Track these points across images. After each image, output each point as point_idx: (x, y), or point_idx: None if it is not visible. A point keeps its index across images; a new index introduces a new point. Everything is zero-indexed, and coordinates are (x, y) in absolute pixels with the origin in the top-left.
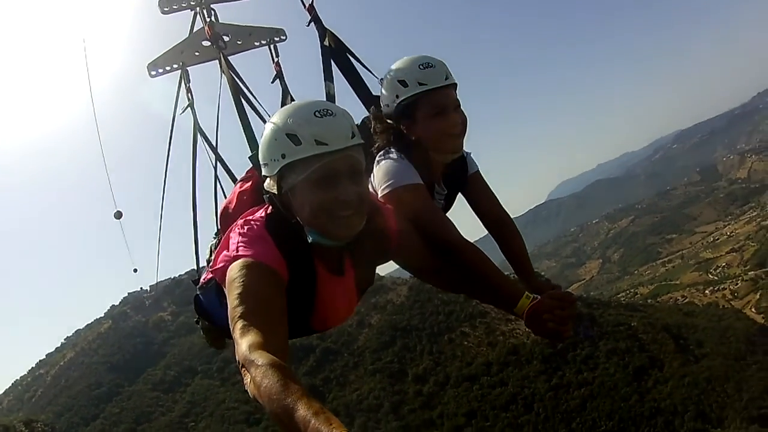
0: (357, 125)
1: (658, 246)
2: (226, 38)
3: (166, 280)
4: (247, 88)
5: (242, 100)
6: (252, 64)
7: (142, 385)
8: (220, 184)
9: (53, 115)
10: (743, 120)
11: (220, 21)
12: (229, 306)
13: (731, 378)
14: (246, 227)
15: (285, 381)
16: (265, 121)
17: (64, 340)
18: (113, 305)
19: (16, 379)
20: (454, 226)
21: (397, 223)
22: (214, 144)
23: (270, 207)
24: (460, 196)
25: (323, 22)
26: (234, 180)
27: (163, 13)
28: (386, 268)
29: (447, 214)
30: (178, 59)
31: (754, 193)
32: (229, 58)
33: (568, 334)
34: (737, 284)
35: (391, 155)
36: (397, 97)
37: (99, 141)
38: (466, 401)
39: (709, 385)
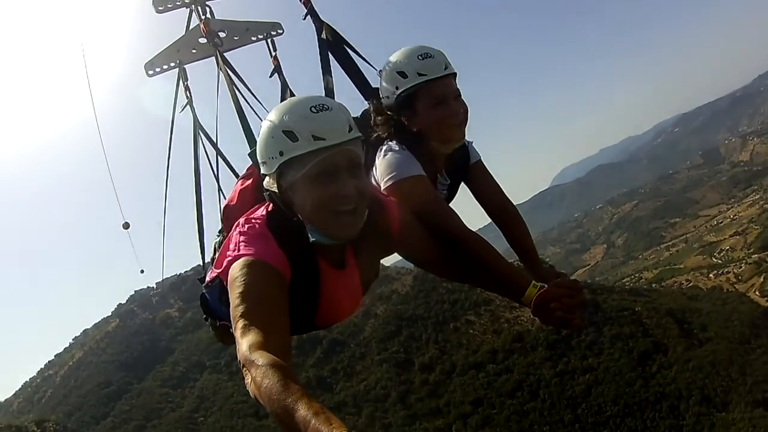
0: (357, 118)
1: (662, 230)
2: (222, 34)
3: (172, 276)
4: (245, 85)
5: (240, 96)
6: (251, 59)
7: (151, 382)
8: (218, 181)
9: (59, 117)
10: (745, 102)
11: (215, 17)
12: (231, 305)
13: (735, 362)
14: (247, 226)
15: (285, 381)
16: (263, 118)
17: (72, 340)
18: (120, 303)
19: (26, 381)
20: (458, 216)
21: (401, 215)
22: (213, 141)
23: (271, 205)
24: (462, 185)
25: (319, 15)
26: (237, 176)
27: (158, 12)
28: (391, 258)
29: (450, 204)
30: (175, 58)
31: (757, 175)
32: (227, 53)
33: (576, 322)
34: (741, 267)
35: (392, 147)
36: (397, 88)
37: (103, 151)
38: (472, 389)
39: (713, 369)
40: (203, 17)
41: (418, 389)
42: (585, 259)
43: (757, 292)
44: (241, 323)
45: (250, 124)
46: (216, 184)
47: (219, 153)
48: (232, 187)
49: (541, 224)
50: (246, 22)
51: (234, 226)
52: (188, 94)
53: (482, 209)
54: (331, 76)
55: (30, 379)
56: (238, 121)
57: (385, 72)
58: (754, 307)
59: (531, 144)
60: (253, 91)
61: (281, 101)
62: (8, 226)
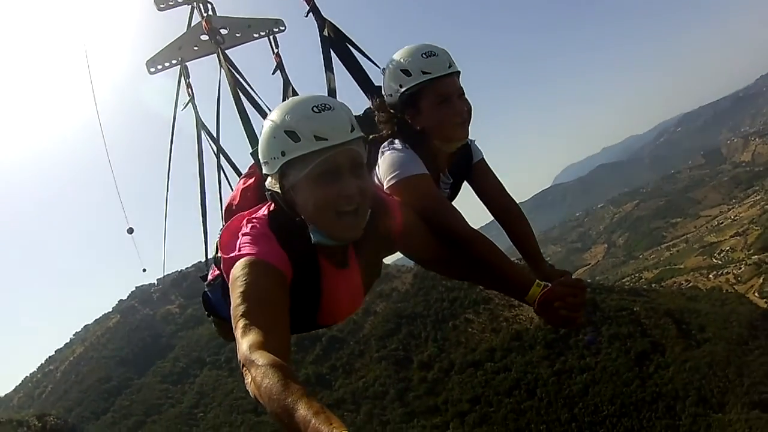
0: (360, 116)
1: (663, 230)
2: (224, 31)
3: (173, 273)
4: (247, 82)
5: (241, 94)
6: (253, 56)
7: (152, 377)
8: (227, 177)
9: (65, 113)
10: (747, 102)
11: (217, 14)
12: (231, 304)
13: (733, 363)
14: (249, 225)
15: (285, 381)
16: (265, 116)
17: (73, 335)
18: (121, 299)
19: (26, 376)
20: (462, 215)
21: (403, 214)
22: (216, 139)
23: (273, 204)
24: (465, 184)
25: (322, 12)
26: (239, 174)
27: (159, 9)
28: (392, 256)
29: (453, 203)
30: (176, 55)
31: (758, 176)
32: (228, 51)
33: (580, 320)
34: (741, 268)
35: (395, 146)
36: (401, 86)
37: (107, 154)
38: (470, 387)
39: (710, 370)
40: (205, 14)
41: (417, 387)
42: (586, 258)
43: (756, 294)
44: (241, 323)
45: (252, 123)
46: (218, 182)
47: (221, 151)
48: (234, 185)
49: (542, 223)
50: (248, 18)
51: (231, 225)
52: (190, 92)
53: (485, 208)
54: (333, 74)
55: (30, 374)
56: (239, 119)
57: (389, 70)
58: (753, 308)
59: (533, 143)
60: (255, 89)
61: (283, 98)
62: (11, 222)
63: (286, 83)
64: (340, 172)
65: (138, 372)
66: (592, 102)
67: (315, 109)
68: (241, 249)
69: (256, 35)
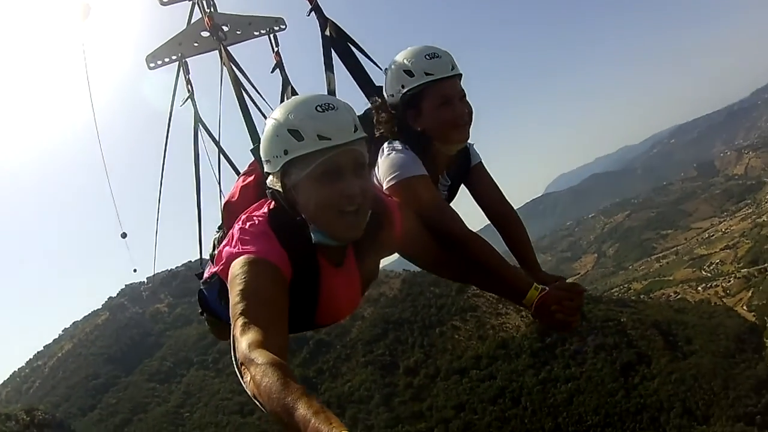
0: (360, 116)
1: (653, 241)
2: (225, 28)
3: (162, 272)
4: (248, 80)
5: (243, 92)
6: (252, 54)
7: (139, 375)
8: (219, 176)
9: (62, 112)
10: (742, 116)
11: (218, 11)
12: (230, 303)
13: (719, 375)
14: (249, 223)
15: (285, 380)
16: (265, 114)
17: (62, 331)
18: (111, 297)
19: (15, 371)
20: (460, 218)
21: (403, 215)
22: (215, 135)
23: (273, 202)
24: (462, 187)
25: (324, 12)
26: (237, 172)
27: (162, 4)
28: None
29: (450, 205)
30: (176, 51)
31: (751, 189)
32: (229, 48)
33: (577, 324)
34: (730, 281)
35: (395, 147)
36: (403, 87)
37: (103, 160)
38: (455, 394)
39: (696, 382)
40: (207, 10)
41: (402, 392)
42: (575, 267)
43: (744, 307)
44: (240, 321)
45: (254, 120)
46: (216, 179)
47: (220, 148)
48: (231, 183)
49: (533, 232)
50: (249, 16)
51: (235, 223)
52: (189, 88)
53: (481, 211)
54: (334, 74)
55: (18, 369)
56: (241, 116)
57: (392, 70)
58: (741, 321)
59: (526, 151)
60: (256, 87)
61: (282, 98)
62: (2, 217)
63: (285, 82)
64: (343, 172)
65: (125, 370)
66: (587, 112)
67: (319, 108)
68: (241, 247)
69: (256, 33)
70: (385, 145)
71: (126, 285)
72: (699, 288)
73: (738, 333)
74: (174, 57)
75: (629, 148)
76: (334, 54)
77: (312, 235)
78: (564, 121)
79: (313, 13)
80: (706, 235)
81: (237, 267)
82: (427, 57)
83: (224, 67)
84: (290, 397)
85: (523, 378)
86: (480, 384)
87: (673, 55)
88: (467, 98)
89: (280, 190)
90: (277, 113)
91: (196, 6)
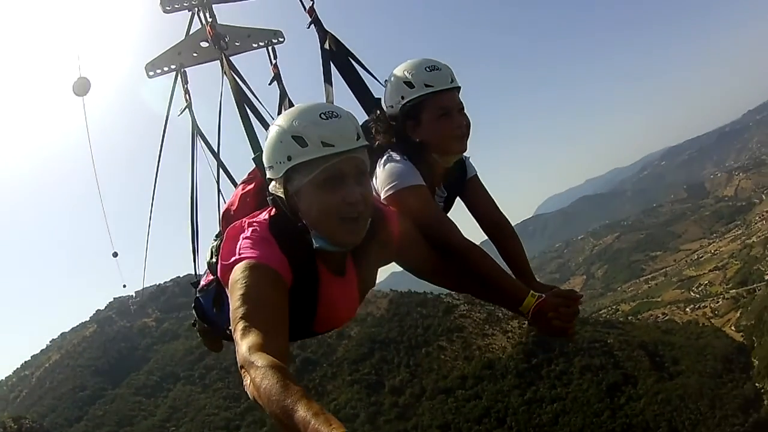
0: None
1: (642, 263)
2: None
3: (151, 286)
4: (250, 90)
5: (244, 102)
6: (250, 66)
7: (126, 389)
8: (218, 184)
9: (57, 120)
10: (733, 137)
11: (218, 22)
12: (231, 307)
13: (705, 396)
14: (250, 229)
15: (285, 382)
16: (265, 123)
17: (50, 342)
18: (99, 309)
19: (1, 380)
20: (457, 227)
21: (401, 224)
22: (213, 145)
23: (273, 209)
24: (458, 201)
25: (324, 25)
26: (233, 182)
27: (165, 12)
28: None
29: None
30: (175, 60)
31: (740, 211)
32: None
33: (573, 331)
34: (718, 302)
35: (393, 157)
36: (402, 98)
37: (95, 177)
38: (441, 413)
39: (682, 402)
40: (209, 20)
41: (388, 411)
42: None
43: (732, 327)
44: (241, 325)
45: (255, 130)
46: (216, 188)
47: (217, 158)
48: (228, 194)
49: None
50: (247, 28)
51: (230, 229)
52: (188, 98)
53: (477, 225)
54: (332, 86)
55: (6, 377)
56: (242, 125)
57: (392, 82)
58: (729, 342)
59: (516, 172)
60: (258, 97)
61: (279, 110)
62: None
63: (283, 94)
64: (345, 178)
65: (112, 382)
66: (578, 134)
67: (323, 116)
68: (242, 252)
69: (255, 45)
70: (384, 155)
71: (114, 298)
72: (687, 309)
73: (725, 353)
74: (173, 66)
75: (619, 170)
76: (333, 67)
77: (313, 241)
78: (554, 143)
79: (312, 26)
80: (695, 257)
81: (238, 272)
82: (427, 69)
83: (225, 77)
84: (290, 399)
85: (509, 398)
86: (465, 404)
87: (664, 77)
88: (465, 111)
89: (283, 196)
90: (281, 120)
91: (196, 16)
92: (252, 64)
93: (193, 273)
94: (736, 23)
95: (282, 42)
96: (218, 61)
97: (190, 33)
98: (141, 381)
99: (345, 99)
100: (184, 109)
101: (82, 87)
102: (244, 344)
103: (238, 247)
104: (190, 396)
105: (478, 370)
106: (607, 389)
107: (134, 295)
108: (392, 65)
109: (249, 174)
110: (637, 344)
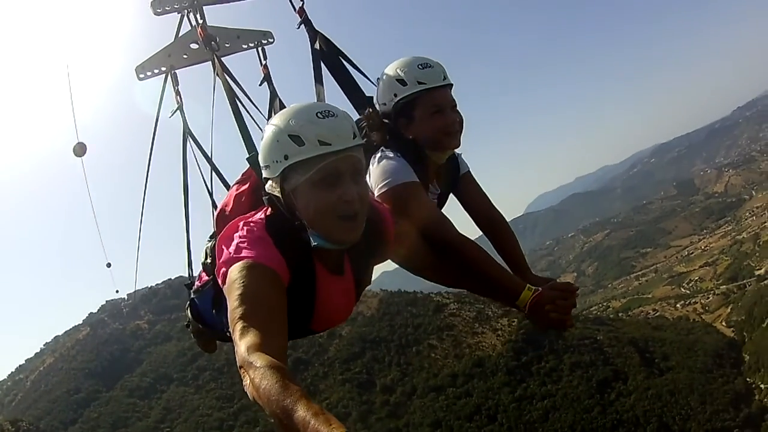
0: None
1: (633, 260)
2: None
3: (143, 289)
4: (242, 90)
5: (237, 102)
6: (240, 67)
7: (119, 391)
8: (211, 186)
9: (48, 124)
10: (722, 134)
11: (207, 23)
12: (229, 307)
13: (696, 391)
14: (246, 229)
15: (284, 382)
16: (257, 123)
17: (44, 346)
18: (91, 312)
19: None
20: (452, 223)
21: (395, 221)
22: (204, 146)
23: (269, 209)
24: (451, 198)
25: (314, 25)
26: (226, 184)
27: (156, 14)
28: None
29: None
30: (166, 62)
31: (730, 207)
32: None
33: (570, 323)
34: (709, 298)
35: (387, 154)
36: (395, 95)
37: (88, 191)
38: (432, 411)
39: (672, 397)
40: (200, 22)
41: (379, 410)
42: None
43: (723, 323)
44: (239, 325)
45: (249, 130)
46: (206, 190)
47: (209, 160)
48: (220, 196)
49: None
50: (237, 29)
51: (226, 229)
52: (179, 99)
53: (471, 221)
54: (323, 86)
55: (1, 381)
56: (236, 126)
57: (384, 80)
58: (720, 337)
59: (506, 170)
60: (251, 97)
61: (269, 110)
62: None
63: (273, 95)
64: (342, 177)
65: (106, 385)
66: (567, 132)
67: (319, 114)
68: (239, 252)
69: (245, 46)
70: (377, 152)
71: (107, 301)
72: (678, 305)
73: (716, 349)
74: (164, 68)
75: (609, 167)
76: (323, 67)
77: (311, 239)
78: (544, 140)
79: (302, 26)
80: (686, 253)
81: (235, 272)
82: (419, 67)
83: (218, 78)
84: (289, 399)
85: (499, 395)
86: (456, 401)
87: (654, 74)
88: (458, 108)
89: (279, 195)
90: (277, 119)
91: (185, 19)
92: (242, 64)
93: (186, 275)
94: (726, 20)
95: (272, 43)
96: (209, 62)
97: (181, 35)
98: (135, 383)
99: (337, 99)
100: (176, 110)
101: (81, 149)
102: (242, 344)
103: (234, 247)
104: (183, 397)
105: (469, 368)
106: (597, 385)
107: (126, 297)
108: (383, 64)
109: (243, 174)
110: (627, 341)
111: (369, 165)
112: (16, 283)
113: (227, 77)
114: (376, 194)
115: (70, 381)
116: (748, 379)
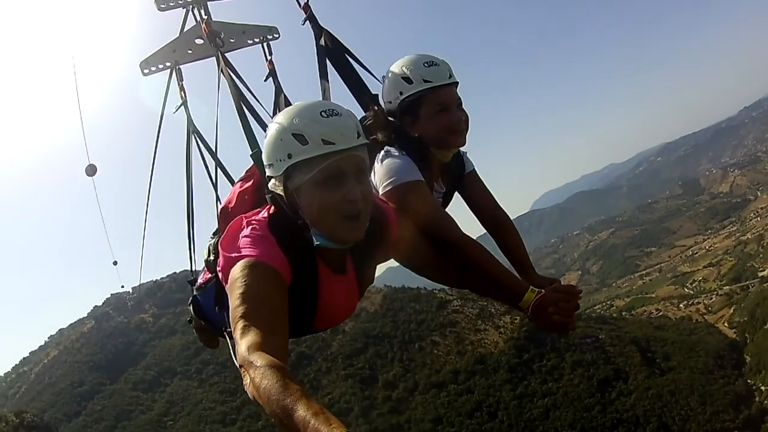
0: None
1: (637, 259)
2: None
3: (148, 282)
4: (246, 87)
5: (241, 99)
6: (245, 63)
7: (123, 384)
8: (216, 183)
9: (54, 118)
10: (729, 134)
11: (212, 19)
12: (230, 306)
13: (696, 392)
14: (249, 227)
15: (284, 381)
16: (262, 120)
17: (48, 338)
18: (96, 306)
19: (1, 376)
20: (456, 222)
21: (399, 220)
22: (209, 143)
23: (272, 207)
24: (457, 197)
25: (319, 21)
26: (231, 180)
27: (160, 9)
28: None
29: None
30: (170, 58)
31: (735, 207)
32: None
33: (573, 326)
34: (712, 299)
35: (392, 152)
36: (401, 93)
37: (94, 188)
38: (433, 407)
39: (672, 398)
40: (205, 17)
41: (381, 405)
42: None
43: (726, 324)
44: (240, 324)
45: (252, 127)
46: (211, 185)
47: (214, 156)
48: (224, 192)
49: None
50: (242, 24)
51: (229, 227)
52: (183, 95)
53: (476, 219)
54: (329, 83)
55: (5, 374)
56: (239, 122)
57: (390, 78)
58: (722, 338)
59: (513, 168)
60: (254, 93)
61: (274, 106)
62: None
63: (278, 91)
64: (345, 176)
65: (110, 378)
66: (575, 130)
67: (323, 113)
68: (241, 251)
69: (250, 41)
70: (382, 151)
71: (111, 294)
72: (681, 305)
73: (718, 349)
74: (168, 64)
75: (615, 166)
76: (328, 63)
77: (314, 239)
78: (551, 138)
79: (308, 22)
80: (690, 253)
81: (237, 271)
82: (425, 65)
83: (222, 74)
84: (289, 398)
85: (501, 393)
86: (458, 398)
87: (660, 73)
88: (463, 106)
89: (282, 193)
90: (281, 118)
91: (190, 13)
92: (247, 59)
93: (190, 270)
94: (734, 20)
95: (277, 38)
96: (213, 57)
97: (185, 30)
98: (138, 376)
99: (342, 96)
100: (180, 106)
101: (92, 170)
102: (243, 343)
103: (237, 245)
104: (187, 390)
105: (471, 365)
106: (598, 384)
107: (131, 291)
108: (388, 62)
109: (247, 171)
110: (628, 340)
111: (374, 163)
112: (22, 276)
113: (231, 74)
114: (380, 192)
115: (74, 374)
116: (748, 381)
